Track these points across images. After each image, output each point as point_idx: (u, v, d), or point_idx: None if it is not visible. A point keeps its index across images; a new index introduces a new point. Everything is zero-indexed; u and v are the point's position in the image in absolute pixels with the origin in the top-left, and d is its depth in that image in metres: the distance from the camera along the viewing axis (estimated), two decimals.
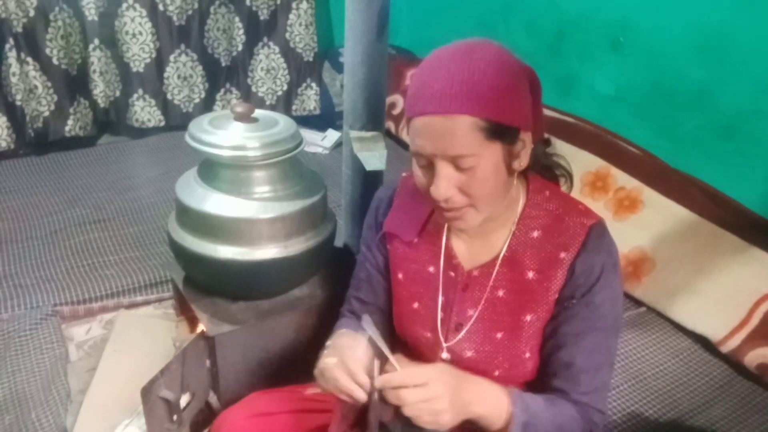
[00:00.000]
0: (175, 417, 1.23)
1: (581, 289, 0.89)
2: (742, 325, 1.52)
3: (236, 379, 1.36)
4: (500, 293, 0.94)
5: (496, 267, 0.93)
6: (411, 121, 0.84)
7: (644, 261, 1.74)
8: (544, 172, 0.97)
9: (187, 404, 1.29)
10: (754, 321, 1.51)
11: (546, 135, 0.97)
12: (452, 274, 0.97)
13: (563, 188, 1.00)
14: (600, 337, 0.91)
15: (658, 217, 1.77)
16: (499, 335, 0.94)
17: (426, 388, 0.80)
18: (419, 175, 0.87)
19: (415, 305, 1.01)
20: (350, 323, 1.10)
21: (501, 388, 0.88)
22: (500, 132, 0.81)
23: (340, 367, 0.86)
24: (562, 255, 0.90)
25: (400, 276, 1.03)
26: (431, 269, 0.99)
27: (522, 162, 0.86)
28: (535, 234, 0.92)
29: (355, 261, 1.14)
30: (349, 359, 0.86)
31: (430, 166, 0.84)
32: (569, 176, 0.99)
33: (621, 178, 1.88)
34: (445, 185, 0.83)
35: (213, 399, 1.39)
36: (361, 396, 0.84)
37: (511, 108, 0.81)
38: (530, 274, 0.92)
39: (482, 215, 0.87)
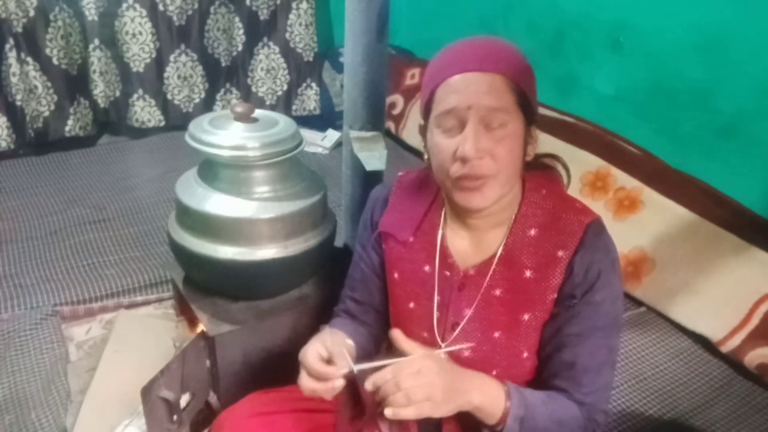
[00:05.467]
0: (175, 417, 1.23)
1: (581, 288, 0.89)
2: (742, 325, 1.52)
3: (236, 379, 1.36)
4: (497, 292, 0.94)
5: (493, 266, 0.93)
6: (441, 84, 0.86)
7: (644, 261, 1.74)
8: (542, 167, 0.98)
9: (187, 404, 1.29)
10: (754, 321, 1.51)
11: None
12: (448, 273, 0.97)
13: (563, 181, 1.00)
14: (601, 337, 0.91)
15: (658, 217, 1.77)
16: (496, 334, 0.94)
17: (419, 374, 0.80)
18: (441, 143, 0.87)
19: (411, 305, 1.01)
20: (343, 323, 1.10)
21: (497, 381, 0.88)
22: (526, 105, 0.86)
23: (312, 350, 0.89)
24: (560, 253, 0.90)
25: (395, 276, 1.03)
26: (427, 269, 0.99)
27: (530, 153, 0.90)
28: (532, 232, 0.92)
29: None
30: (326, 341, 0.90)
31: (457, 129, 0.85)
32: (566, 170, 0.99)
33: (621, 178, 1.88)
34: (475, 142, 0.83)
35: (213, 399, 1.40)
36: (335, 375, 0.85)
37: (534, 89, 0.88)
38: (527, 273, 0.92)
39: (498, 192, 0.87)
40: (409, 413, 0.79)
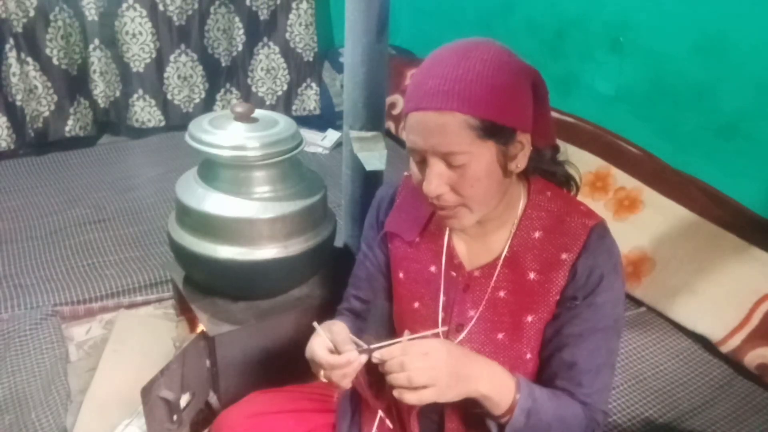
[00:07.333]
0: (175, 417, 1.23)
1: (583, 290, 0.89)
2: (742, 325, 1.52)
3: (236, 379, 1.36)
4: (501, 294, 0.94)
5: (498, 267, 0.93)
6: (406, 117, 0.84)
7: (644, 261, 1.74)
8: (551, 177, 0.97)
9: (187, 404, 1.29)
10: (754, 321, 1.51)
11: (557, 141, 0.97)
12: (454, 274, 0.97)
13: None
14: (601, 338, 0.91)
15: (658, 217, 1.77)
16: (500, 336, 0.94)
17: (426, 356, 0.80)
18: (415, 172, 0.87)
19: (416, 305, 1.01)
20: (346, 321, 1.10)
21: (508, 372, 0.88)
22: (494, 131, 0.80)
23: (318, 343, 0.88)
24: (564, 256, 0.90)
25: (401, 275, 1.03)
26: (432, 269, 0.99)
27: (519, 164, 0.86)
28: (537, 234, 0.92)
29: (354, 261, 1.14)
30: (330, 333, 0.89)
31: (424, 163, 0.85)
32: (576, 185, 0.99)
33: (621, 178, 1.88)
34: (436, 182, 0.83)
35: (213, 399, 1.40)
36: (351, 357, 0.84)
37: (506, 108, 0.80)
38: (531, 275, 0.92)
39: (476, 215, 0.87)
40: (411, 398, 0.79)
